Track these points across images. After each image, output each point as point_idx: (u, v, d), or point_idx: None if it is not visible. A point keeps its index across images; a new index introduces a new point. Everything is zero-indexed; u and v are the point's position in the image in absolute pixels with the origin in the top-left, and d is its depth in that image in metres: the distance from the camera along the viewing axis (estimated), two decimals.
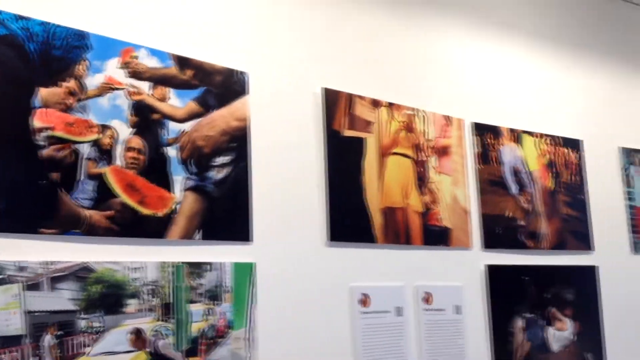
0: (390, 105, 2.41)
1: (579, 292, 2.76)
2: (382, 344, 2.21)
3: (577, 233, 2.82)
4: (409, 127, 2.44)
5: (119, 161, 1.76)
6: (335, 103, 2.26)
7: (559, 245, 2.75)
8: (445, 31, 2.64)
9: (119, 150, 1.77)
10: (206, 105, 1.97)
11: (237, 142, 2.01)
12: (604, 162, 2.97)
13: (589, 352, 2.74)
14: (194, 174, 1.90)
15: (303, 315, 2.07)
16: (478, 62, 2.72)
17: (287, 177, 2.12)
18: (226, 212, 1.94)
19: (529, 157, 2.75)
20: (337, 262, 2.18)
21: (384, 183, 2.33)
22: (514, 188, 2.68)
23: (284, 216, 2.09)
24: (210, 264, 1.87)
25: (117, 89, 1.79)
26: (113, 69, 1.79)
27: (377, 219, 2.29)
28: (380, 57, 2.43)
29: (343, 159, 2.25)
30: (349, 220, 2.22)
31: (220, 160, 1.96)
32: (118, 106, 1.79)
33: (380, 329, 2.22)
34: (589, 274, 2.81)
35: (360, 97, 2.33)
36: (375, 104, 2.37)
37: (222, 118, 1.99)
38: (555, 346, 2.65)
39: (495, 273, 2.55)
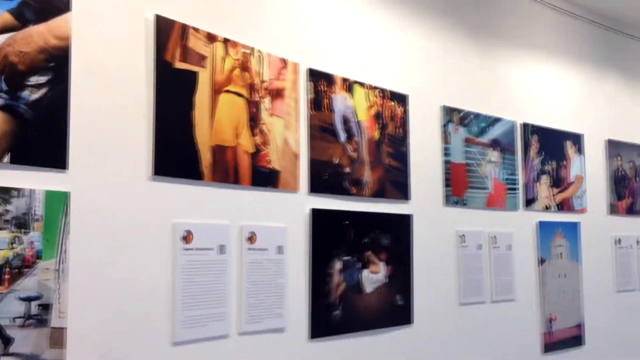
0: (226, 41, 2.35)
1: (394, 238, 2.92)
2: (204, 282, 2.21)
3: (397, 183, 2.97)
4: (244, 66, 2.41)
5: None
6: (167, 32, 2.16)
7: (380, 193, 2.89)
8: None
9: None
10: (22, 19, 1.80)
11: (56, 62, 1.86)
12: (426, 117, 3.14)
13: (398, 294, 2.92)
14: (5, 92, 1.74)
15: (121, 249, 2.00)
16: (317, 8, 2.73)
17: (111, 105, 2.01)
18: (40, 136, 1.80)
19: (358, 107, 2.83)
20: (161, 197, 2.12)
21: (215, 120, 2.29)
22: (342, 136, 2.76)
23: (105, 146, 1.98)
24: (19, 189, 1.73)
25: None
26: None
27: (205, 156, 2.25)
28: None
29: (173, 91, 2.17)
30: (176, 155, 2.16)
31: (36, 79, 1.81)
32: None
33: (202, 266, 2.21)
34: (404, 221, 2.99)
35: (195, 29, 2.25)
36: (211, 38, 2.30)
37: (40, 34, 1.83)
38: (368, 288, 2.80)
39: (318, 216, 2.62)
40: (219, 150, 2.30)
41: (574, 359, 3.73)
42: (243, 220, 2.37)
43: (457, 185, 3.24)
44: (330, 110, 2.72)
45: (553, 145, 3.75)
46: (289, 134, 2.55)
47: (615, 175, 4.09)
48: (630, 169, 4.17)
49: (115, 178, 2.00)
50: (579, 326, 3.79)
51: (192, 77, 2.22)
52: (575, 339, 3.76)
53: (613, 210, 4.06)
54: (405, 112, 3.03)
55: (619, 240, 4.08)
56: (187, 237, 2.17)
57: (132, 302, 2.02)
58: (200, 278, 2.20)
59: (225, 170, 2.32)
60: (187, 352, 2.14)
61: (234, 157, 2.35)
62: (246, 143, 2.39)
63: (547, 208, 3.68)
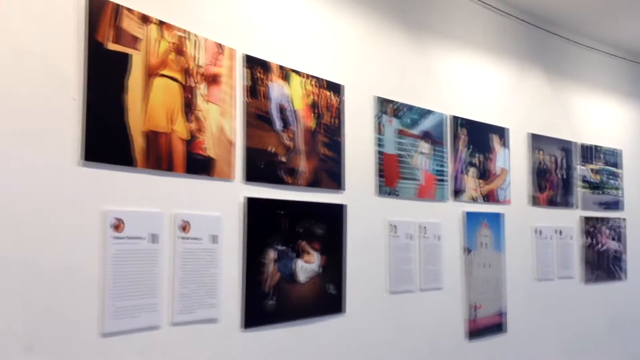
0: (161, 23, 2.28)
1: (328, 228, 2.93)
2: (135, 272, 2.14)
3: (332, 173, 2.97)
4: (179, 50, 2.34)
5: None
6: (100, 11, 2.07)
7: (314, 183, 2.88)
8: None
9: None
10: None
11: None
12: (360, 108, 3.15)
13: (331, 284, 2.93)
14: None
15: (48, 237, 1.91)
16: None
17: (39, 87, 1.91)
18: None
19: (295, 95, 2.81)
20: (90, 184, 2.04)
21: (149, 105, 2.22)
22: (278, 124, 2.73)
23: (30, 128, 1.88)
24: None
25: None
26: None
27: (138, 142, 2.17)
28: None
29: (105, 74, 2.09)
30: (107, 140, 2.08)
31: None
32: None
33: (133, 255, 2.14)
34: (338, 211, 2.99)
35: (129, 9, 2.16)
36: (145, 19, 2.22)
37: None
38: (302, 277, 2.79)
39: (253, 205, 2.59)
40: (152, 136, 2.23)
41: (496, 345, 3.85)
42: (176, 209, 2.31)
43: (390, 175, 3.27)
44: (267, 98, 2.68)
45: (480, 139, 3.84)
46: (225, 121, 2.50)
47: (537, 168, 4.24)
48: (550, 162, 4.33)
49: (42, 162, 1.90)
50: (501, 314, 3.91)
51: (125, 59, 2.14)
52: (497, 326, 3.88)
53: (534, 202, 4.21)
54: (341, 102, 3.03)
55: (540, 231, 4.23)
56: (117, 226, 2.10)
57: (59, 293, 1.94)
58: (131, 268, 2.13)
59: (159, 157, 2.25)
60: (117, 343, 2.07)
61: (168, 144, 2.28)
62: (181, 129, 2.33)
63: (473, 199, 3.78)
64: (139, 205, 2.18)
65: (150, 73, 2.23)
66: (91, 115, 2.03)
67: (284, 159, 2.74)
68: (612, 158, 4.79)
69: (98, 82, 2.06)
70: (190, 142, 2.36)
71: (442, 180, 3.58)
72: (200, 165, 2.40)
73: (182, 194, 2.33)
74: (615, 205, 4.80)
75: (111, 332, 2.05)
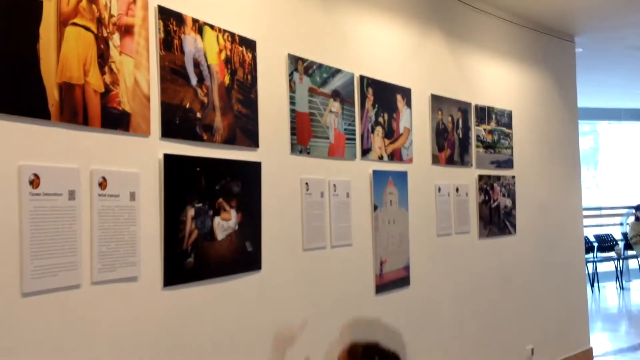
0: None
1: (245, 185, 2.92)
2: (53, 229, 2.05)
3: (247, 130, 2.95)
4: None
5: None
6: None
7: (230, 140, 2.85)
8: None
9: None
10: None
11: None
12: (273, 65, 3.13)
13: (248, 241, 2.93)
14: None
15: None
16: None
17: None
18: None
19: (209, 50, 2.75)
20: (4, 138, 1.92)
21: (62, 55, 2.11)
22: (193, 80, 2.67)
23: None
24: None
25: None
26: None
27: (52, 94, 2.06)
28: None
29: (16, 21, 1.95)
30: (20, 91, 1.96)
31: None
32: None
33: (51, 212, 2.05)
34: (254, 169, 2.99)
35: None
36: None
37: None
38: (220, 235, 2.77)
39: (171, 162, 2.54)
40: (66, 88, 2.12)
41: (401, 299, 4.00)
42: (93, 165, 2.22)
43: (302, 134, 3.30)
44: (181, 51, 2.62)
45: (385, 98, 3.94)
46: (139, 74, 2.42)
47: (437, 128, 4.40)
48: (449, 122, 4.52)
49: None
50: (406, 268, 4.08)
51: (36, 6, 2.02)
52: (402, 280, 4.04)
53: (435, 160, 4.38)
54: (254, 58, 3.01)
55: (439, 189, 4.42)
56: (34, 182, 1.99)
57: None
58: (50, 225, 2.03)
59: (74, 110, 2.15)
60: (37, 303, 1.99)
61: (83, 97, 2.18)
62: (95, 82, 2.23)
63: (380, 158, 3.88)
64: (55, 160, 2.08)
65: (62, 21, 2.11)
66: (3, 65, 1.90)
67: (199, 115, 2.69)
68: (503, 119, 5.06)
69: (9, 29, 1.93)
70: (105, 95, 2.27)
71: (351, 139, 3.64)
72: (116, 119, 2.31)
73: (98, 149, 2.24)
74: (506, 163, 5.09)
75: (32, 291, 1.96)
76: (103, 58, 2.26)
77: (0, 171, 1.91)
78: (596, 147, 13.25)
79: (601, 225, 10.99)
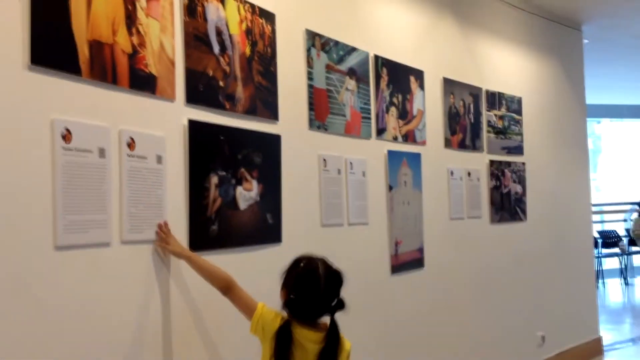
0: None
1: (265, 157, 2.91)
2: (85, 186, 2.05)
3: (267, 102, 2.95)
4: None
5: None
6: None
7: (251, 110, 2.85)
8: None
9: None
10: None
11: None
12: (291, 39, 3.14)
13: (269, 213, 2.93)
14: None
15: None
16: None
17: None
18: None
19: (230, 19, 2.76)
20: (38, 90, 1.93)
21: (92, 13, 2.11)
22: (216, 48, 2.67)
23: None
24: None
25: None
26: None
27: (83, 51, 2.07)
28: None
29: None
30: (54, 45, 1.97)
31: None
32: None
33: (83, 169, 2.04)
34: (274, 141, 2.98)
35: None
36: None
37: None
38: (242, 204, 2.77)
39: (196, 128, 2.53)
40: (96, 46, 2.12)
41: (415, 279, 4.00)
42: (122, 125, 2.22)
43: (320, 110, 3.30)
44: (204, 19, 2.62)
45: (400, 79, 3.94)
46: (165, 38, 2.42)
47: (449, 112, 4.41)
48: (461, 106, 4.52)
49: None
50: (420, 250, 4.07)
51: None
52: (417, 262, 4.04)
53: (447, 144, 4.39)
54: (273, 31, 3.01)
55: (452, 173, 4.42)
56: (66, 136, 1.99)
57: (9, 205, 1.82)
58: (81, 181, 2.03)
59: (103, 69, 2.15)
60: (70, 257, 1.98)
61: (112, 56, 2.18)
62: (123, 42, 2.23)
63: (394, 139, 3.88)
64: (86, 117, 2.08)
65: None
66: (37, 17, 1.90)
67: (222, 84, 2.69)
68: (513, 105, 5.08)
69: None
70: (133, 56, 2.27)
71: (367, 118, 3.65)
72: (143, 81, 2.31)
73: (127, 110, 2.24)
74: (517, 149, 5.10)
75: (64, 245, 1.95)
76: (130, 19, 2.27)
77: (34, 124, 1.90)
78: (596, 150, 13.27)
79: (605, 222, 11.01)
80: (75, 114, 2.04)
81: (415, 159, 4.06)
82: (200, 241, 2.53)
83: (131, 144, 2.24)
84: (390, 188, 3.83)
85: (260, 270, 2.86)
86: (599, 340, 5.98)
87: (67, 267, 1.98)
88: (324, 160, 3.32)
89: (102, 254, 2.10)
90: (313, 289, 2.11)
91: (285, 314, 2.15)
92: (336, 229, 3.39)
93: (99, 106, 2.13)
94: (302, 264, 2.18)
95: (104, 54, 2.15)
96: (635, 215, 10.26)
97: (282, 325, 2.10)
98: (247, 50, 2.85)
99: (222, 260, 2.63)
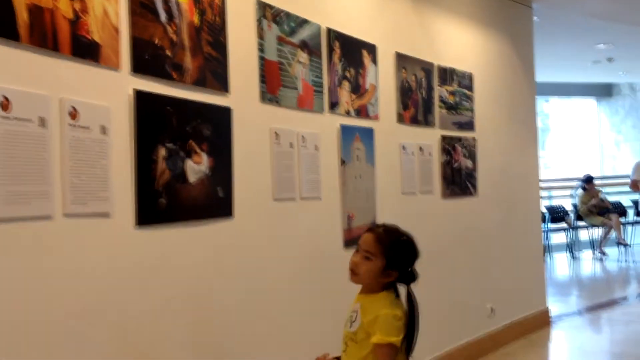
0: None
1: (215, 129, 2.86)
2: (25, 156, 1.97)
3: (216, 74, 2.89)
4: None
5: None
6: None
7: (200, 82, 2.79)
8: None
9: None
10: None
11: None
12: (241, 10, 3.07)
13: (219, 186, 2.88)
14: None
15: None
16: None
17: None
18: None
19: None
20: None
21: None
22: (162, 15, 2.60)
23: None
24: None
25: None
26: None
27: (22, 16, 1.98)
28: None
29: None
30: None
31: None
32: None
33: (23, 138, 1.97)
34: (225, 114, 2.93)
35: None
36: None
37: None
38: (192, 177, 2.72)
39: (142, 99, 2.47)
40: (35, 11, 2.03)
41: None
42: (63, 93, 2.14)
43: (272, 82, 3.25)
44: None
45: (352, 53, 3.91)
46: (108, 5, 2.34)
47: (401, 87, 4.41)
48: (413, 81, 4.53)
49: None
50: (373, 223, 4.08)
51: None
52: None
53: (400, 119, 4.39)
54: (223, 0, 2.94)
55: (404, 147, 4.43)
56: (3, 104, 1.90)
57: None
58: (22, 151, 1.96)
59: (44, 34, 2.06)
60: (10, 230, 1.90)
61: (52, 21, 2.10)
62: (64, 7, 2.15)
63: (347, 113, 3.86)
64: (26, 85, 1.99)
65: None
66: None
67: (169, 53, 2.62)
68: (464, 80, 5.11)
69: None
70: (75, 22, 2.19)
71: (319, 91, 3.61)
72: (86, 48, 2.23)
73: (68, 78, 2.16)
74: (468, 125, 5.14)
75: (4, 217, 1.88)
76: None
77: None
78: (544, 128, 13.54)
79: (552, 197, 11.28)
80: (14, 82, 1.95)
81: (367, 133, 4.05)
82: (149, 214, 2.48)
83: (73, 113, 2.16)
84: (343, 162, 3.82)
85: (212, 244, 2.82)
86: (546, 311, 6.14)
87: (8, 240, 1.91)
88: (276, 133, 3.28)
89: (45, 227, 2.03)
90: (418, 254, 2.34)
91: (395, 309, 2.25)
92: (289, 203, 3.37)
93: (40, 74, 2.05)
94: (404, 238, 2.34)
95: (44, 19, 2.06)
96: (580, 191, 10.53)
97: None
98: (196, 19, 2.77)
99: (173, 235, 2.59)
